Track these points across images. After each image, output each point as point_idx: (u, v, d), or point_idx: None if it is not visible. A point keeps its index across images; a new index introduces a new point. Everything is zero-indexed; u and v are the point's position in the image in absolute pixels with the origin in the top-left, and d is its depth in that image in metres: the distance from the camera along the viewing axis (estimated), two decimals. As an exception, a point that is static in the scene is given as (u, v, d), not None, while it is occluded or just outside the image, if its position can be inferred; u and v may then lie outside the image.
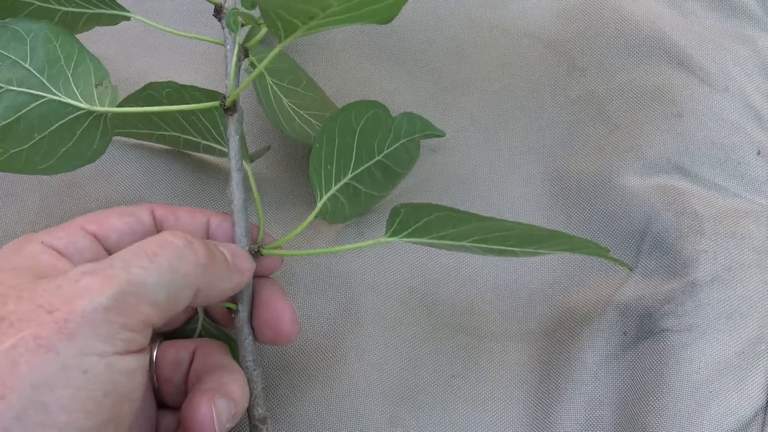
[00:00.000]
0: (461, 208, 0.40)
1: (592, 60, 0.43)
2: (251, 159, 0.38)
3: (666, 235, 0.39)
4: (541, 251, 0.33)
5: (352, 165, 0.37)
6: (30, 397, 0.23)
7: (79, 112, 0.32)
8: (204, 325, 0.36)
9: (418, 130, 0.41)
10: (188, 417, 0.30)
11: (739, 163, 0.40)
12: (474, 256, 0.41)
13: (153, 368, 0.33)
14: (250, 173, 0.35)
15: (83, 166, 0.33)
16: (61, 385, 0.24)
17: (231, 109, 0.33)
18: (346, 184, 0.37)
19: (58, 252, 0.30)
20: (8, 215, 0.40)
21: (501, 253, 0.33)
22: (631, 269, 0.37)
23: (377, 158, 0.39)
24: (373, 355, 0.39)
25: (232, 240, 0.34)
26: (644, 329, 0.38)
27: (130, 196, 0.40)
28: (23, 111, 0.32)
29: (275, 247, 0.35)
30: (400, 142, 0.40)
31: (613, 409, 0.37)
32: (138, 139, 0.40)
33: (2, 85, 0.31)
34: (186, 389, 0.33)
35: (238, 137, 0.34)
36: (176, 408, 0.33)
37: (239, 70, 0.34)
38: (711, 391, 0.36)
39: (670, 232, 0.39)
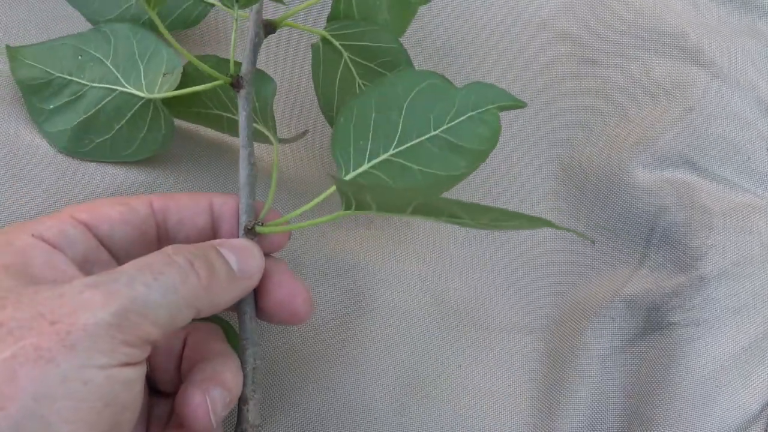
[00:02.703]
0: (471, 197, 0.40)
1: (604, 52, 0.43)
2: (284, 142, 0.37)
3: (675, 229, 0.39)
4: (495, 223, 0.30)
5: (396, 141, 0.34)
6: (30, 409, 0.23)
7: (142, 101, 0.35)
8: None
9: (491, 101, 0.35)
10: (183, 408, 0.29)
11: (749, 158, 0.40)
12: (483, 249, 0.41)
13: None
14: (275, 152, 0.34)
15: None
16: (61, 397, 0.24)
17: (237, 84, 0.33)
18: (387, 161, 0.34)
19: (50, 244, 0.29)
20: (16, 199, 0.39)
21: (457, 223, 0.30)
22: (593, 242, 0.34)
23: (434, 133, 0.35)
24: (380, 345, 0.38)
25: (237, 217, 0.33)
26: (651, 323, 0.38)
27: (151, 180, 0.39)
28: (101, 104, 0.35)
29: (278, 224, 0.33)
30: (467, 115, 0.35)
31: (619, 402, 0.37)
32: (189, 120, 0.39)
33: (88, 83, 0.35)
34: (178, 375, 0.32)
35: (245, 113, 0.33)
36: (169, 393, 0.33)
37: (255, 46, 0.34)
38: (717, 386, 0.36)
39: (679, 226, 0.39)
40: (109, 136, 0.36)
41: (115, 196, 0.33)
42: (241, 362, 0.32)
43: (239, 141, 0.33)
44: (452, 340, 0.39)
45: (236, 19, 0.34)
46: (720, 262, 0.37)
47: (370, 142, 0.34)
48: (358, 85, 0.37)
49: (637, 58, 0.43)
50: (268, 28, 0.34)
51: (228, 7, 0.34)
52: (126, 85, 0.35)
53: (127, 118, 0.35)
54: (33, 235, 0.29)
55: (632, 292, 0.38)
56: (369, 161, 0.34)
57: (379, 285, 0.40)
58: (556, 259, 0.41)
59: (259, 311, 0.33)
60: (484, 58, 0.44)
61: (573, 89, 0.43)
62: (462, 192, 0.41)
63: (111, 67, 0.35)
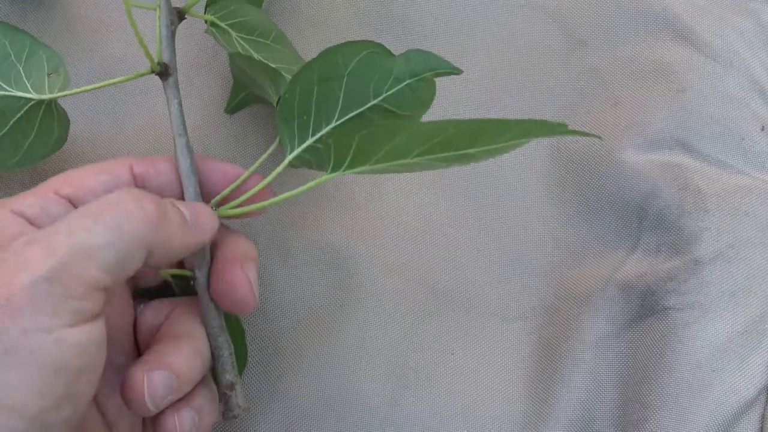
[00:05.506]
0: (459, 181, 0.40)
1: (594, 33, 0.42)
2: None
3: (668, 212, 0.38)
4: (495, 145, 0.29)
5: (337, 113, 0.34)
6: None
7: (31, 103, 0.33)
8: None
9: (428, 68, 0.35)
10: (121, 388, 0.29)
11: (743, 139, 0.40)
12: (475, 234, 0.40)
13: (136, 333, 0.33)
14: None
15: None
16: (7, 367, 0.23)
17: (163, 74, 0.33)
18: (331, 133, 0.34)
19: (29, 221, 0.29)
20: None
21: (458, 159, 0.30)
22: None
23: (373, 102, 0.34)
24: (371, 333, 0.39)
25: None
26: (646, 307, 0.37)
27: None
28: None
29: (236, 206, 0.33)
30: (405, 83, 0.35)
31: (615, 387, 0.37)
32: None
33: None
34: None
35: (176, 102, 0.33)
36: None
37: (172, 33, 0.33)
38: (713, 370, 0.35)
39: (673, 208, 0.38)
40: None
41: (96, 164, 0.32)
42: (217, 349, 0.32)
43: (172, 131, 0.33)
44: (445, 327, 0.39)
45: (158, 6, 0.33)
46: (715, 244, 0.37)
47: (313, 115, 0.33)
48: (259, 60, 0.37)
49: (628, 39, 0.42)
50: (181, 15, 0.34)
51: None
52: (7, 88, 0.33)
53: (11, 123, 0.33)
54: (12, 211, 0.28)
55: (626, 276, 0.38)
56: (313, 135, 0.33)
57: (368, 272, 0.40)
58: (548, 243, 0.41)
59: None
60: (470, 41, 0.43)
61: (562, 72, 0.43)
62: (448, 177, 0.40)
63: None
